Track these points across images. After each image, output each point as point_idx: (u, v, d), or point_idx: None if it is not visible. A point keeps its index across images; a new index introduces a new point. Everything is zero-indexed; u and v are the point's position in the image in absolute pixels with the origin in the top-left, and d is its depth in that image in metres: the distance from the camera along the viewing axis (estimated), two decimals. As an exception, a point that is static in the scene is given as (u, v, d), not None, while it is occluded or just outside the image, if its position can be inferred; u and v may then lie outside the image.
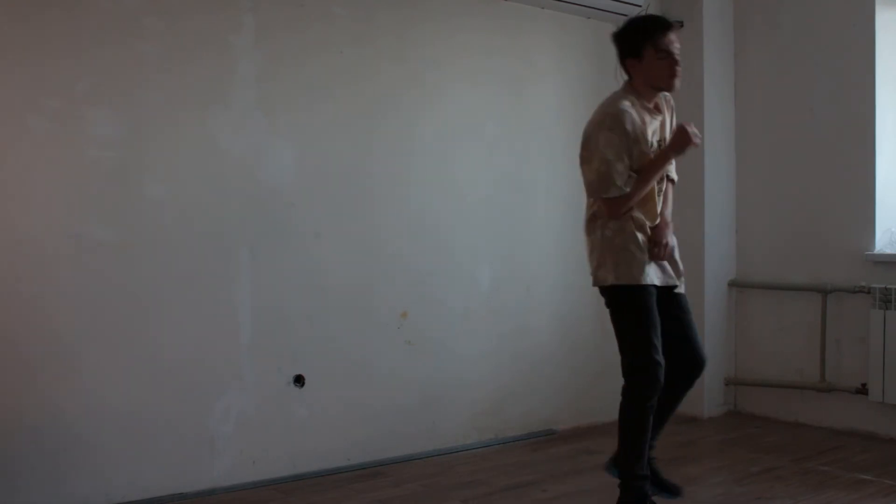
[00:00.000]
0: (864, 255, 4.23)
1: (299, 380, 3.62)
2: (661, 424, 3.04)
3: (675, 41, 2.84)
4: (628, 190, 2.80)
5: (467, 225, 4.13)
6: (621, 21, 3.10)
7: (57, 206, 3.09)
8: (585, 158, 2.87)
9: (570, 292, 4.48)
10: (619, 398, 2.92)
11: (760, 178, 4.70)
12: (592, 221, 2.93)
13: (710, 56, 4.66)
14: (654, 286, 2.86)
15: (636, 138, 2.82)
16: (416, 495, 3.37)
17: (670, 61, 2.82)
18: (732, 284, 4.76)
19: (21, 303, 3.02)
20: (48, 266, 3.07)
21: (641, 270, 2.82)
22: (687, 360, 2.96)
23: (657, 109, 2.95)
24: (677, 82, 2.86)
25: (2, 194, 2.99)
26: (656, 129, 2.94)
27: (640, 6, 4.52)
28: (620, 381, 2.93)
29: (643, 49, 2.83)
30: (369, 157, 3.82)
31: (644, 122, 2.86)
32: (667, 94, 2.98)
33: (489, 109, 4.21)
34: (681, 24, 4.71)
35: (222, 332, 3.44)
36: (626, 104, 2.85)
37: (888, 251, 4.18)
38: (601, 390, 4.50)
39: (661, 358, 2.81)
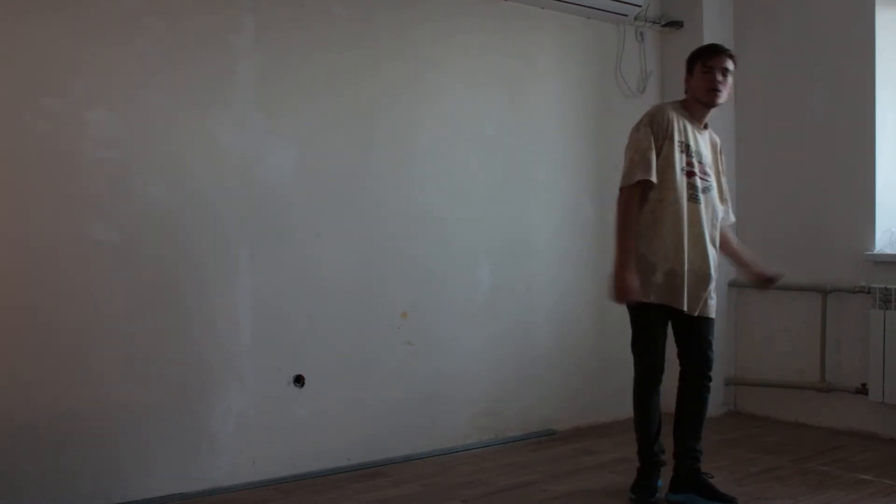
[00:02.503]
0: (864, 255, 4.23)
1: (299, 380, 3.62)
2: (685, 432, 3.21)
3: (723, 63, 3.13)
4: (650, 178, 3.05)
5: (467, 225, 4.13)
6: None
7: (57, 206, 3.09)
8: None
9: (570, 292, 4.48)
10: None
11: (760, 178, 4.70)
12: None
13: (710, 56, 4.65)
14: (659, 305, 3.13)
15: (664, 134, 3.08)
16: (416, 495, 3.37)
17: (712, 77, 3.11)
18: (732, 284, 4.76)
19: (21, 302, 3.02)
20: (48, 266, 3.07)
21: (646, 291, 3.09)
22: (690, 365, 3.22)
23: (704, 127, 3.21)
24: (717, 97, 3.14)
25: (2, 194, 2.99)
26: (704, 143, 3.21)
27: (639, 6, 4.53)
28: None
29: (694, 66, 3.18)
30: (369, 157, 3.82)
31: (685, 128, 3.13)
32: (717, 139, 3.32)
33: (489, 109, 4.20)
34: (681, 24, 4.73)
35: (222, 332, 3.44)
36: (670, 111, 3.14)
37: (888, 251, 4.19)
38: (601, 390, 4.50)
39: (653, 354, 3.19)
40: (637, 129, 3.13)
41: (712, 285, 3.14)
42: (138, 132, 3.24)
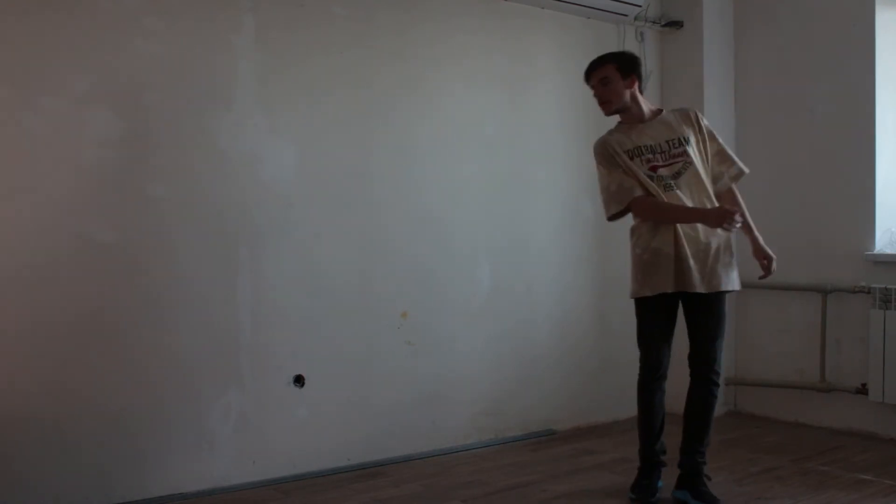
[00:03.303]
0: (864, 255, 4.23)
1: (299, 380, 3.62)
2: (690, 431, 3.22)
3: (597, 78, 3.22)
4: (636, 195, 3.12)
5: (467, 224, 4.13)
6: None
7: (57, 206, 3.09)
8: None
9: (571, 292, 4.48)
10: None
11: (760, 179, 4.67)
12: (630, 235, 3.27)
13: (710, 56, 4.66)
14: (667, 294, 3.14)
15: (612, 155, 3.17)
16: (416, 495, 3.37)
17: (595, 94, 3.26)
18: (732, 284, 4.76)
19: (21, 302, 3.02)
20: (48, 266, 3.07)
21: (650, 284, 3.14)
22: (696, 365, 3.23)
23: (654, 115, 3.25)
24: (605, 109, 3.25)
25: (2, 194, 2.99)
26: (657, 130, 3.21)
27: (639, 6, 4.53)
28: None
29: None
30: (369, 157, 3.82)
31: (627, 138, 3.19)
32: (687, 110, 3.31)
33: (489, 110, 4.21)
34: (681, 24, 4.73)
35: (222, 332, 3.44)
36: (605, 137, 3.25)
37: (888, 251, 4.19)
38: (601, 390, 4.50)
39: (654, 350, 3.23)
40: (598, 171, 3.24)
41: (720, 255, 3.15)
42: (138, 132, 3.24)
